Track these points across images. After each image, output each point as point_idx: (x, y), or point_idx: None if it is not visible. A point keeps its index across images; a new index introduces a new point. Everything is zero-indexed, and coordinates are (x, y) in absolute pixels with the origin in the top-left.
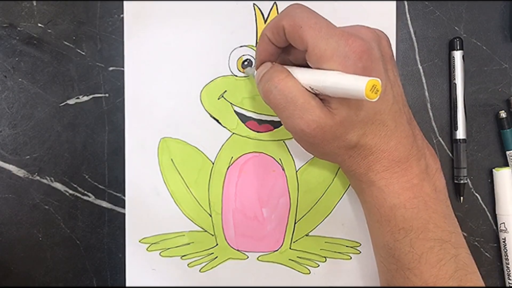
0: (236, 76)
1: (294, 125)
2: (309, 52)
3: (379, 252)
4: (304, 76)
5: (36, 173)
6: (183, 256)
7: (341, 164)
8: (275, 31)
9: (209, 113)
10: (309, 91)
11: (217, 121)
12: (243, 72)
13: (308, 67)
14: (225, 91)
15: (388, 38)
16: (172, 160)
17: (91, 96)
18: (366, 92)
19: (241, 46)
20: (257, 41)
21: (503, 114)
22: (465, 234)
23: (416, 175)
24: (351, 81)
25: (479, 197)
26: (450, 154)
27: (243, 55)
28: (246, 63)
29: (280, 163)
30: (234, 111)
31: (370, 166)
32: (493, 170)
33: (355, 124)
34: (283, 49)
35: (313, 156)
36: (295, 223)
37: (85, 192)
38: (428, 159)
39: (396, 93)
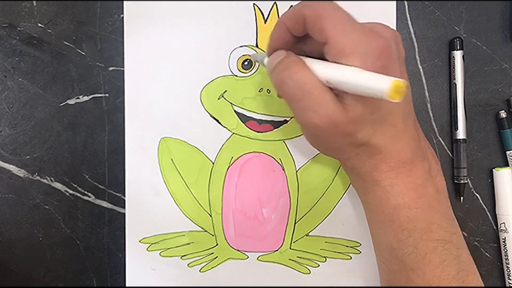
0: (236, 76)
1: (306, 117)
2: (328, 45)
3: (381, 253)
4: (321, 69)
5: (36, 173)
6: (183, 256)
7: (345, 161)
8: (294, 20)
9: (209, 113)
10: (324, 84)
11: (217, 121)
12: (244, 72)
13: (322, 59)
14: (225, 91)
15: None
16: (172, 160)
17: (91, 96)
18: (390, 93)
19: (241, 46)
20: (257, 41)
21: (503, 114)
22: (465, 234)
23: (419, 176)
24: (373, 79)
25: (479, 197)
26: (450, 154)
27: (243, 55)
28: (246, 63)
29: (280, 163)
30: (234, 111)
31: (376, 165)
32: (493, 170)
33: (367, 122)
34: (298, 38)
35: (313, 156)
36: (295, 223)
37: (85, 192)
38: (430, 160)
39: (407, 95)
